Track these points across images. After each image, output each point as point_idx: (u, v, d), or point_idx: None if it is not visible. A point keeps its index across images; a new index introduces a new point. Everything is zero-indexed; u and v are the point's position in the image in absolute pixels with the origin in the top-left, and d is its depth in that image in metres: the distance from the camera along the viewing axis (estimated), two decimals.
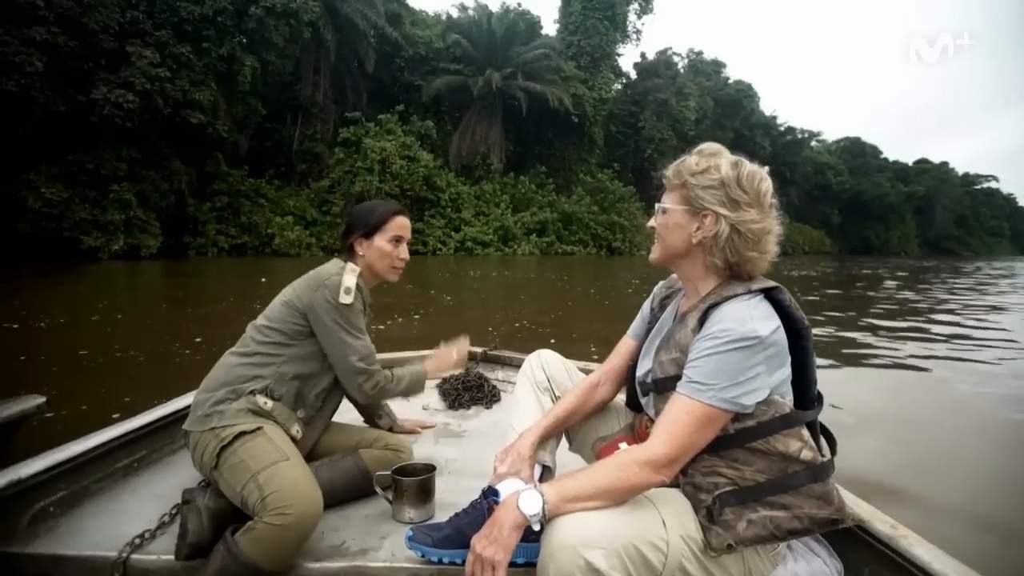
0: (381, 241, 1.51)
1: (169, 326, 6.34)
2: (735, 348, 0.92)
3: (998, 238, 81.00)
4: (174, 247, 20.10)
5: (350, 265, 1.46)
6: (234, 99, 21.34)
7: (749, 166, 1.02)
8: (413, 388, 1.58)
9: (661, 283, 1.30)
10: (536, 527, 0.88)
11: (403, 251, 1.56)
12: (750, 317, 0.94)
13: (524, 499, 0.88)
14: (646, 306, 1.30)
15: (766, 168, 1.05)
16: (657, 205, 1.10)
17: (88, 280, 12.09)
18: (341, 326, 1.39)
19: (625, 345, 1.31)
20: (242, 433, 1.26)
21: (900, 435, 3.41)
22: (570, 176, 34.00)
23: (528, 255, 28.11)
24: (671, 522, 0.93)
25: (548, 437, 1.27)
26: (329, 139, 27.64)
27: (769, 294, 1.00)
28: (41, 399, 2.00)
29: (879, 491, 2.44)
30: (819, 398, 1.05)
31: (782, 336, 0.96)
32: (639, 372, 1.17)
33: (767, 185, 1.02)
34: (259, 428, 1.28)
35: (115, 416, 1.89)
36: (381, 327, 6.54)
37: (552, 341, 5.76)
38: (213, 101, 19.30)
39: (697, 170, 1.02)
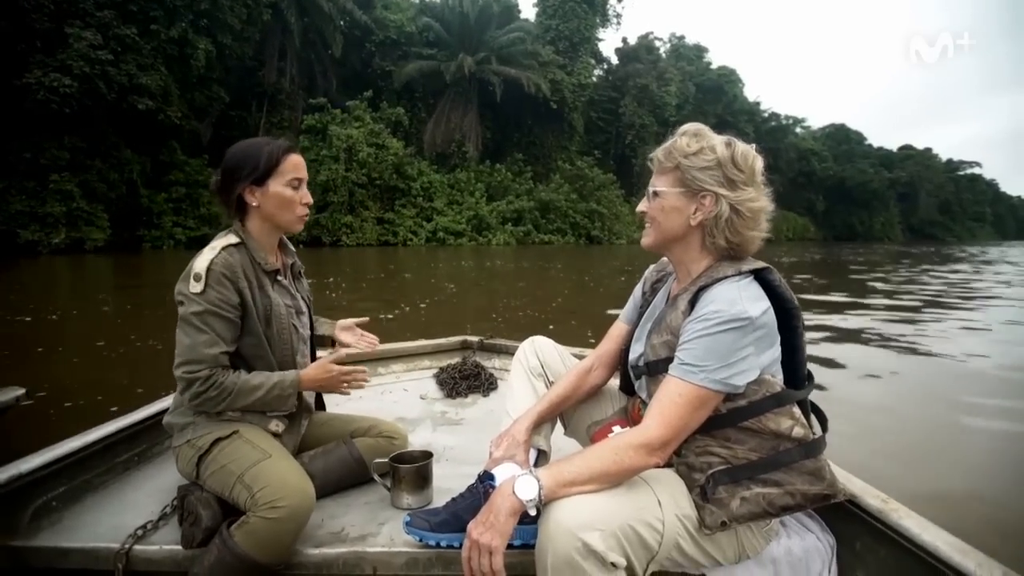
0: (278, 186, 1.29)
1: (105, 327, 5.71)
2: (725, 329, 0.92)
3: (980, 223, 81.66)
4: (128, 240, 19.20)
5: (214, 241, 1.27)
6: (189, 85, 20.35)
7: (741, 145, 1.02)
8: (270, 403, 1.28)
9: (652, 267, 1.30)
10: (532, 512, 0.88)
11: (306, 194, 1.34)
12: (740, 298, 0.94)
13: (520, 485, 0.88)
14: (637, 290, 1.30)
15: (753, 146, 1.04)
16: (649, 189, 1.08)
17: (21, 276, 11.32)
18: (180, 321, 1.22)
19: (617, 329, 1.31)
20: (218, 439, 1.23)
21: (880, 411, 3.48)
22: (549, 164, 33.35)
23: (503, 245, 27.45)
24: (666, 501, 0.94)
25: (543, 422, 1.27)
26: (297, 127, 26.65)
27: (759, 275, 1.00)
28: (20, 391, 1.98)
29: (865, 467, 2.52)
30: (809, 377, 1.06)
31: (772, 317, 0.96)
32: (632, 356, 1.18)
33: (760, 163, 1.02)
34: (235, 432, 1.24)
35: (113, 409, 1.91)
36: (390, 316, 6.53)
37: (551, 328, 5.88)
38: (164, 86, 18.33)
39: (690, 151, 1.01)
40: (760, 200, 1.01)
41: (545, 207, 30.59)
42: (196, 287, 1.19)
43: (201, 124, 23.39)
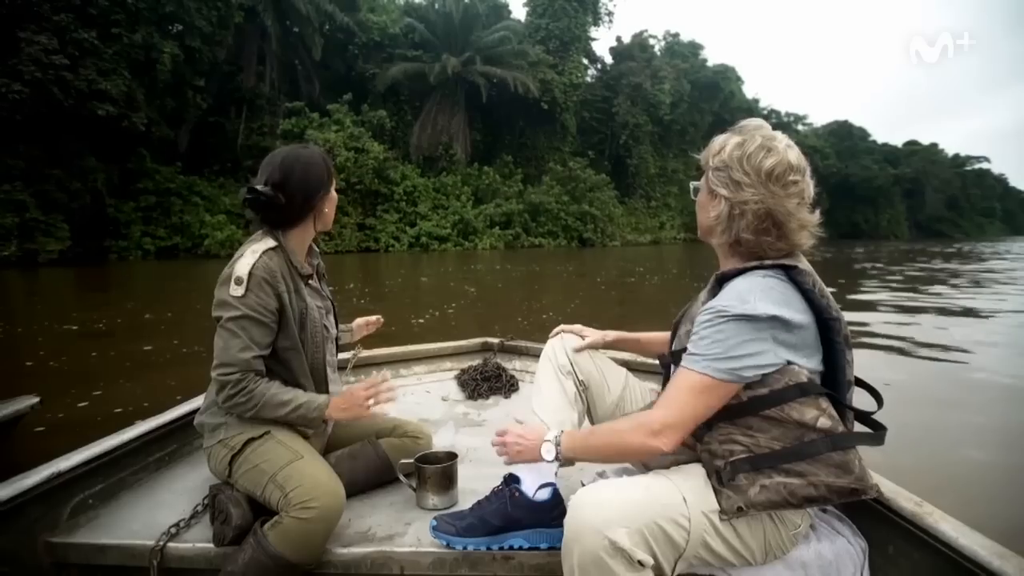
0: (333, 188, 1.39)
1: None
2: (727, 321, 0.92)
3: (990, 219, 79.94)
4: (94, 251, 18.48)
5: (252, 245, 1.28)
6: (158, 90, 19.67)
7: (756, 143, 0.99)
8: (294, 422, 1.29)
9: None
10: (549, 456, 1.01)
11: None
12: (751, 293, 0.93)
13: (544, 448, 1.03)
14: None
15: (783, 142, 1.00)
16: (691, 184, 1.13)
17: None
18: (220, 321, 1.24)
19: None
20: (250, 440, 1.25)
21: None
22: (541, 165, 32.54)
23: (490, 249, 26.58)
24: (691, 498, 0.94)
25: (622, 342, 1.40)
26: (279, 132, 25.97)
27: (793, 278, 0.97)
28: (35, 399, 2.09)
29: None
30: (862, 417, 1.03)
31: (795, 317, 0.93)
32: (673, 347, 1.18)
33: (771, 162, 0.98)
34: (267, 432, 1.27)
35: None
36: (421, 320, 6.74)
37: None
38: (128, 92, 17.61)
39: (712, 153, 1.04)
40: (765, 202, 0.97)
41: (535, 210, 29.74)
42: (237, 291, 1.21)
43: (178, 131, 22.76)
